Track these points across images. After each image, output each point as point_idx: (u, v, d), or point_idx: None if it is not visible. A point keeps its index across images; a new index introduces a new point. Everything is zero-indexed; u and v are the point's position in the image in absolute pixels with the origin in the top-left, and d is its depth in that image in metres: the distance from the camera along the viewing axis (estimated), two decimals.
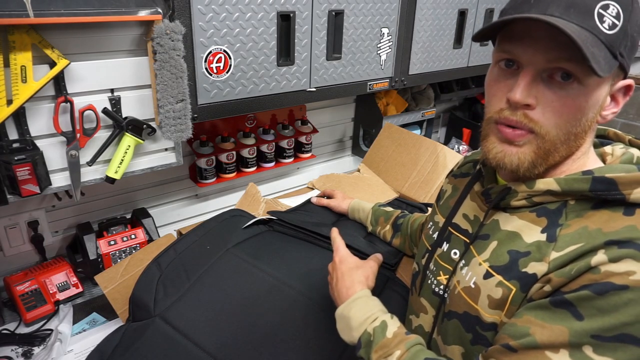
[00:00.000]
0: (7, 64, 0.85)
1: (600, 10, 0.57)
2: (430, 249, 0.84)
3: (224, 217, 1.21)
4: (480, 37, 0.66)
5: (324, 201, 1.37)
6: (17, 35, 0.84)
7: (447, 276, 0.77)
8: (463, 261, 0.74)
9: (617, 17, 0.57)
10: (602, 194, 0.61)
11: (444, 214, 0.86)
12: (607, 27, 0.57)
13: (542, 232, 0.64)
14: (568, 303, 0.56)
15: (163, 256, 1.06)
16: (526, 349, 0.58)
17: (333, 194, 1.39)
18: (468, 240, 0.75)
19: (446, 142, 2.24)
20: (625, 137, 0.74)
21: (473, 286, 0.69)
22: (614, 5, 0.57)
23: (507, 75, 0.64)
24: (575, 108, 0.61)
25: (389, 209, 1.25)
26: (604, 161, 0.71)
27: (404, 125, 1.87)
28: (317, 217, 1.30)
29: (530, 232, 0.65)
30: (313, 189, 1.61)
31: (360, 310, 0.75)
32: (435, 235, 0.85)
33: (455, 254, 0.78)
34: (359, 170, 1.71)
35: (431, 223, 0.90)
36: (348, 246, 1.12)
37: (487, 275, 0.67)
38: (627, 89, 0.65)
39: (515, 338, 0.60)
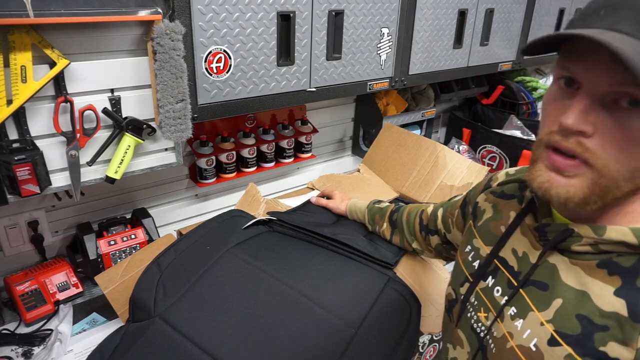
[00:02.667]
0: (7, 64, 0.85)
1: None
2: (471, 280, 0.76)
3: (224, 218, 1.21)
4: (531, 51, 0.57)
5: (323, 201, 1.37)
6: (17, 35, 0.84)
7: (487, 314, 0.71)
8: (514, 309, 0.66)
9: None
10: None
11: (485, 240, 0.77)
12: None
13: (617, 294, 0.55)
14: None
15: (163, 256, 1.06)
16: None
17: (332, 194, 1.39)
18: (515, 283, 0.67)
19: (446, 142, 2.24)
20: None
21: (534, 349, 0.61)
22: None
23: (566, 96, 0.56)
24: (635, 137, 0.51)
25: (384, 204, 1.23)
26: None
27: (404, 125, 1.87)
28: (317, 217, 1.30)
29: (602, 292, 0.56)
30: (313, 189, 1.61)
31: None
32: (476, 265, 0.76)
33: (498, 291, 0.70)
34: (359, 170, 1.71)
35: (469, 247, 0.80)
36: (347, 246, 1.12)
37: (553, 342, 0.59)
38: None
39: None
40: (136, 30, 0.99)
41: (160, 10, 0.96)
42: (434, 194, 1.53)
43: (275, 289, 0.98)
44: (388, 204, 1.23)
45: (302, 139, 1.70)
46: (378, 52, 1.45)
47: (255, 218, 1.22)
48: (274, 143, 1.62)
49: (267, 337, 0.88)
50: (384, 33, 1.43)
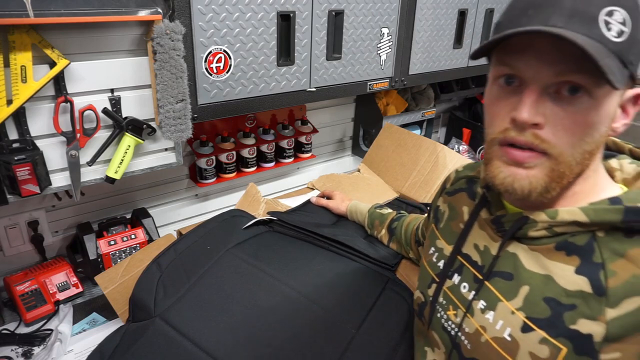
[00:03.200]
0: (7, 64, 0.85)
1: (606, 18, 0.52)
2: (437, 280, 0.77)
3: (224, 218, 1.21)
4: (481, 54, 0.60)
5: (323, 202, 1.37)
6: (17, 35, 0.84)
7: (456, 312, 0.72)
8: (483, 302, 0.67)
9: (624, 23, 0.53)
10: (635, 225, 0.56)
11: (447, 239, 0.79)
12: (616, 35, 0.53)
13: (578, 272, 0.58)
14: None
15: (163, 256, 1.06)
16: None
17: (332, 194, 1.39)
18: (481, 276, 0.69)
19: (446, 142, 2.24)
20: (625, 146, 0.70)
21: (509, 339, 0.62)
22: (619, 11, 0.53)
23: (509, 93, 0.59)
24: (587, 124, 0.55)
25: (385, 210, 1.23)
26: (612, 176, 0.66)
27: (404, 125, 1.87)
28: (317, 217, 1.30)
29: (564, 273, 0.59)
30: (313, 189, 1.61)
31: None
32: (441, 265, 0.78)
33: (465, 287, 0.71)
34: (359, 170, 1.71)
35: (433, 249, 0.82)
36: (347, 247, 1.12)
37: (526, 329, 0.61)
38: (636, 98, 0.60)
39: None
40: (136, 30, 0.99)
41: (160, 10, 0.96)
42: (433, 194, 1.53)
43: (275, 289, 0.98)
44: (390, 210, 1.24)
45: (302, 139, 1.70)
46: (378, 52, 1.45)
47: (256, 218, 1.22)
48: (274, 143, 1.62)
49: (267, 337, 0.88)
50: (384, 33, 1.43)
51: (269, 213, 1.25)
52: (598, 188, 0.62)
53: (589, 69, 0.51)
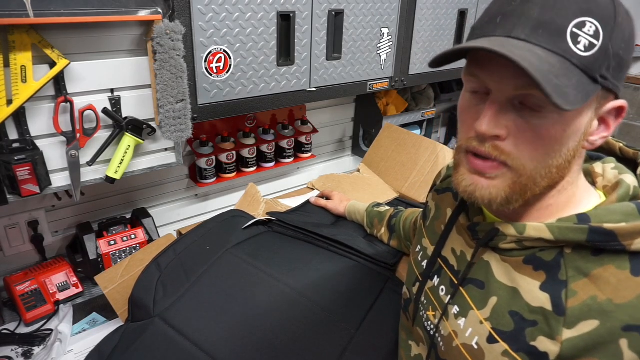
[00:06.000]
0: (7, 64, 0.85)
1: (575, 30, 0.50)
2: (421, 279, 0.78)
3: (223, 218, 1.21)
4: (437, 64, 0.58)
5: (322, 202, 1.36)
6: (17, 35, 0.84)
7: (434, 313, 0.73)
8: (456, 307, 0.68)
9: (596, 35, 0.50)
10: (600, 245, 0.54)
11: (431, 239, 0.79)
12: (583, 49, 0.50)
13: (542, 289, 0.58)
14: None
15: (162, 256, 1.06)
16: None
17: (331, 195, 1.39)
18: (456, 281, 0.69)
19: (446, 142, 2.24)
20: (617, 144, 0.68)
21: (476, 347, 0.63)
22: (591, 23, 0.50)
23: (477, 101, 0.58)
24: (551, 138, 0.54)
25: (383, 208, 1.23)
26: (593, 182, 0.65)
27: (404, 125, 1.87)
28: (317, 217, 1.30)
29: (529, 288, 0.59)
30: (313, 189, 1.61)
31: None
32: (424, 264, 0.78)
33: (442, 290, 0.72)
34: (358, 171, 1.71)
35: (419, 247, 0.83)
36: (347, 247, 1.12)
37: (492, 340, 0.62)
38: (619, 110, 0.57)
39: None
40: (136, 30, 0.99)
41: (160, 10, 0.96)
42: None
43: (274, 289, 0.98)
44: (387, 208, 1.23)
45: (302, 139, 1.70)
46: (378, 52, 1.45)
47: (255, 218, 1.22)
48: (274, 143, 1.62)
49: (266, 337, 0.88)
50: (384, 33, 1.43)
51: (268, 213, 1.25)
52: (575, 200, 0.61)
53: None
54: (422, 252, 0.81)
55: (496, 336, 0.61)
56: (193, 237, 1.13)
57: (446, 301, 0.70)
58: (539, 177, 0.57)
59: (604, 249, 0.55)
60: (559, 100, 0.47)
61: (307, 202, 1.39)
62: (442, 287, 0.72)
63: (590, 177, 0.65)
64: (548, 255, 0.58)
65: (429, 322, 0.74)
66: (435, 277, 0.75)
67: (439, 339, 0.71)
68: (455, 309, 0.68)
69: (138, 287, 1.00)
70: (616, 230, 0.53)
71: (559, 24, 0.50)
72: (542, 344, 0.56)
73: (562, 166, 0.57)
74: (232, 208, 1.37)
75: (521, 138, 0.55)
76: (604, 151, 0.70)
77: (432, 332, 0.73)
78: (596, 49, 0.50)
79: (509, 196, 0.58)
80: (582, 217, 0.56)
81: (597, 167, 0.65)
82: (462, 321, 0.67)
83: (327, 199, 1.39)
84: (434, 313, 0.73)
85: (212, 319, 0.91)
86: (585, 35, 0.50)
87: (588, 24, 0.50)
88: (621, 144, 0.68)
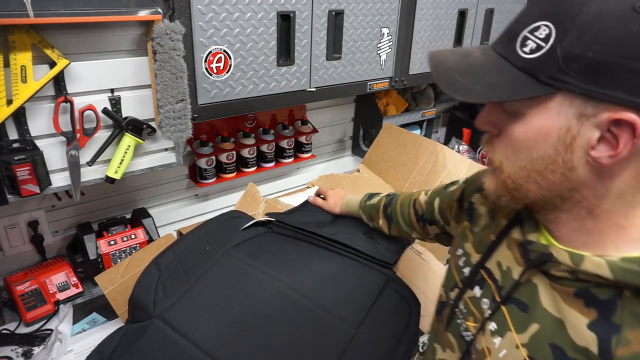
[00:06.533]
0: (7, 64, 0.85)
1: (527, 34, 0.53)
2: (461, 286, 0.75)
3: (223, 219, 1.21)
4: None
5: (319, 202, 1.35)
6: (17, 35, 0.84)
7: (475, 325, 0.70)
8: (494, 325, 0.66)
9: (546, 38, 0.51)
10: None
11: (477, 247, 0.75)
12: (528, 51, 0.52)
13: (591, 328, 0.53)
14: None
15: (162, 257, 1.06)
16: None
17: (326, 194, 1.36)
18: (499, 298, 0.67)
19: (446, 142, 2.24)
20: None
21: None
22: (545, 26, 0.51)
23: None
24: (514, 138, 0.56)
25: (375, 199, 1.20)
26: None
27: (404, 125, 1.87)
28: (316, 216, 1.30)
29: (577, 323, 0.55)
30: (312, 188, 1.61)
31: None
32: (466, 271, 0.75)
33: (485, 303, 0.69)
34: (358, 171, 1.71)
35: (461, 251, 0.78)
36: (346, 246, 1.12)
37: None
38: (632, 127, 0.48)
39: None
40: (136, 30, 0.99)
41: (160, 10, 0.96)
42: None
43: (274, 289, 0.98)
44: (380, 196, 1.20)
45: (302, 139, 1.70)
46: (378, 52, 1.45)
47: (255, 219, 1.22)
48: (274, 143, 1.62)
49: (267, 338, 0.88)
50: (384, 33, 1.43)
51: (267, 214, 1.25)
52: (629, 235, 0.55)
53: None
54: (465, 258, 0.77)
55: None
56: (193, 237, 1.13)
57: (486, 315, 0.68)
58: (520, 179, 0.57)
59: None
60: (448, 91, 0.54)
61: (306, 202, 1.39)
62: (485, 299, 0.69)
63: None
64: (604, 294, 0.53)
65: (468, 333, 0.72)
66: (477, 287, 0.71)
67: (473, 351, 0.70)
68: (492, 326, 0.66)
69: (138, 287, 1.00)
70: None
71: (516, 29, 0.54)
72: None
73: (550, 178, 0.55)
74: (232, 208, 1.37)
75: (503, 137, 0.58)
76: None
77: (469, 341, 0.71)
78: (542, 51, 0.51)
79: (497, 191, 0.60)
80: None
81: None
82: (497, 340, 0.64)
83: (324, 196, 1.39)
84: (475, 324, 0.70)
85: (212, 319, 0.91)
86: (535, 39, 0.52)
87: (542, 28, 0.51)
88: None
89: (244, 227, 1.17)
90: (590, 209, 0.55)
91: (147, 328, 0.90)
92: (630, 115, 0.47)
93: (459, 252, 0.79)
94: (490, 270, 0.70)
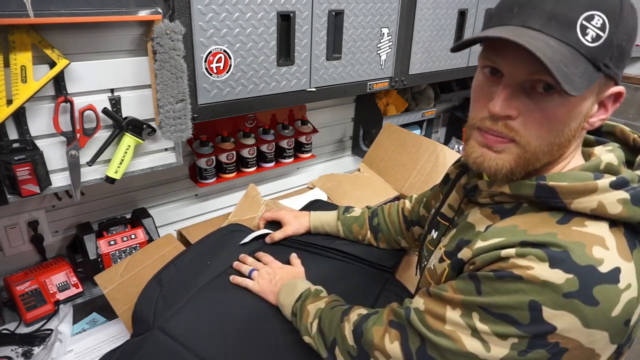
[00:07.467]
0: (7, 64, 0.85)
1: (584, 22, 0.55)
2: (423, 234, 0.90)
3: (223, 233, 1.21)
4: (458, 50, 0.65)
5: (278, 235, 1.17)
6: (17, 35, 0.84)
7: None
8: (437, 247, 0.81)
9: (602, 28, 0.55)
10: (545, 201, 0.63)
11: (437, 200, 0.90)
12: (590, 40, 0.56)
13: (489, 225, 0.69)
14: (476, 278, 0.63)
15: (164, 272, 1.05)
16: (436, 296, 0.68)
17: (279, 219, 1.22)
18: (448, 225, 0.82)
19: (446, 142, 2.24)
20: (631, 135, 0.73)
21: (432, 267, 0.77)
22: (599, 16, 0.55)
23: (491, 83, 0.64)
24: (556, 119, 0.61)
25: (356, 212, 1.18)
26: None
27: (404, 125, 1.87)
28: None
29: (482, 224, 0.70)
30: (313, 188, 1.61)
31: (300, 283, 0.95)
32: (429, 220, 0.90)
33: (435, 236, 0.85)
34: (359, 170, 1.71)
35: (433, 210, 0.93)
36: (345, 253, 1.11)
37: (441, 260, 0.74)
38: (617, 96, 0.63)
39: (436, 288, 0.69)
40: (136, 30, 0.98)
41: (160, 10, 0.96)
42: None
43: None
44: (358, 209, 1.19)
45: (302, 139, 1.70)
46: (378, 52, 1.45)
47: (254, 232, 1.21)
48: (274, 143, 1.62)
49: (267, 346, 0.88)
50: (384, 33, 1.43)
51: (265, 226, 1.24)
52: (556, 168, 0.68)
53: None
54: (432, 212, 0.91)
55: (445, 257, 0.74)
56: (193, 252, 1.12)
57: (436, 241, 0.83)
58: (541, 154, 0.63)
59: (551, 206, 0.63)
60: (567, 87, 0.53)
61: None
62: (437, 233, 0.84)
63: (588, 159, 0.70)
64: (509, 205, 0.69)
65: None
66: (433, 230, 0.86)
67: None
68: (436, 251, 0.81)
69: (140, 302, 0.98)
70: (557, 187, 0.61)
71: (570, 16, 0.55)
72: (464, 254, 0.68)
73: (563, 144, 0.64)
74: (232, 208, 1.37)
75: (530, 118, 0.61)
76: (619, 140, 0.74)
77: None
78: (602, 40, 0.56)
79: (514, 168, 0.64)
80: (540, 178, 0.64)
81: (597, 150, 0.70)
82: (432, 255, 0.81)
83: (278, 223, 1.22)
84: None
85: (212, 329, 0.91)
86: (593, 28, 0.55)
87: (596, 17, 0.55)
88: (636, 135, 0.73)
89: (243, 242, 1.17)
90: (557, 161, 0.67)
91: (147, 339, 0.89)
92: (621, 88, 0.62)
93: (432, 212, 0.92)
94: (443, 214, 0.84)
